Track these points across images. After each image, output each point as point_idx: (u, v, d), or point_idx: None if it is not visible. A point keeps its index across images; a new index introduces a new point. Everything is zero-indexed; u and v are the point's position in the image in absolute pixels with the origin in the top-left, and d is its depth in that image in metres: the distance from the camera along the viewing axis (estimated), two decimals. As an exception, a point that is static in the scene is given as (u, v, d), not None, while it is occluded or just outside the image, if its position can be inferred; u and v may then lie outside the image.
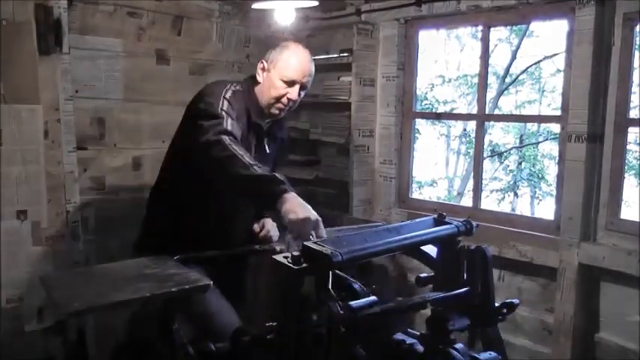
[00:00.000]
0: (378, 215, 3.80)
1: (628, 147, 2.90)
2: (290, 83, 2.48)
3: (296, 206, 2.07)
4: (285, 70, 2.48)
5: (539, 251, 3.03)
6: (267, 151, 2.63)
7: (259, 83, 2.55)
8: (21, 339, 2.93)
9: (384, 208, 3.80)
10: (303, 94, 2.57)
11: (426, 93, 10.44)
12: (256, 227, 2.62)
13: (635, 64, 2.78)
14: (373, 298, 1.69)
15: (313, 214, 2.06)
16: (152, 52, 3.57)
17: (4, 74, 2.80)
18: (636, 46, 2.76)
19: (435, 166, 11.30)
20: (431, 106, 10.32)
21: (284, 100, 2.50)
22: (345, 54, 3.81)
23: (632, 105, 2.86)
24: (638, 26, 2.74)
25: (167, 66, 3.64)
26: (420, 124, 9.40)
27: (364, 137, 3.80)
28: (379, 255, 2.01)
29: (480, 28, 3.45)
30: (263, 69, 2.55)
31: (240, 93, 2.48)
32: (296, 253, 1.67)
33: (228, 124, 2.28)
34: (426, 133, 10.78)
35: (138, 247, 2.60)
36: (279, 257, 1.71)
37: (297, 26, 3.91)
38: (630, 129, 2.83)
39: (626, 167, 2.93)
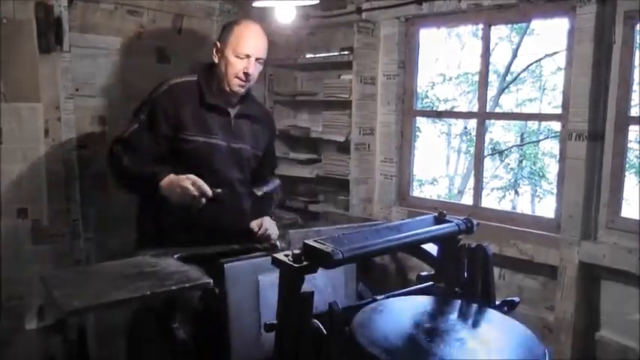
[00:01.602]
0: (378, 213, 3.80)
1: (629, 145, 2.89)
2: (245, 58, 2.56)
3: (173, 182, 2.33)
4: (238, 47, 2.56)
5: (540, 249, 3.03)
6: (232, 129, 2.67)
7: (216, 64, 2.64)
8: (21, 337, 2.93)
9: (385, 207, 3.80)
10: (260, 66, 2.65)
11: (427, 91, 10.44)
12: (254, 226, 2.62)
13: (636, 62, 2.78)
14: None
15: (190, 176, 2.32)
16: (153, 50, 3.57)
17: (4, 72, 2.80)
18: (637, 45, 2.76)
19: (436, 165, 11.29)
20: (432, 105, 10.32)
21: (241, 75, 2.58)
22: (346, 52, 3.80)
23: (632, 103, 2.86)
24: (638, 25, 2.74)
25: (168, 64, 3.64)
26: (421, 122, 9.40)
27: (365, 135, 3.80)
28: (380, 253, 2.02)
29: (481, 26, 3.44)
30: (217, 50, 2.64)
31: (188, 82, 2.63)
32: (297, 251, 1.67)
33: (128, 131, 2.53)
34: (427, 132, 10.78)
35: (138, 246, 2.61)
36: (279, 255, 1.71)
37: (298, 24, 3.91)
38: (631, 127, 2.82)
39: (626, 165, 2.92)
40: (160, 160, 2.51)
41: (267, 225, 2.64)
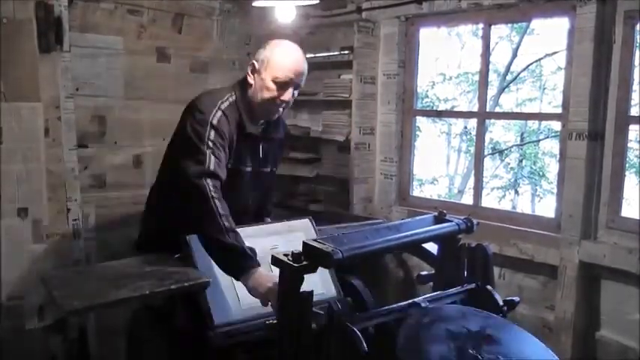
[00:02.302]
0: (378, 213, 3.80)
1: (629, 145, 2.89)
2: (283, 84, 2.41)
3: (262, 282, 2.02)
4: (278, 72, 2.40)
5: (540, 249, 3.03)
6: (261, 155, 2.57)
7: (251, 85, 2.48)
8: (22, 337, 2.93)
9: (385, 206, 3.79)
10: (296, 93, 2.51)
11: (427, 91, 10.43)
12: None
13: (636, 62, 2.77)
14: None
15: (274, 284, 1.95)
16: (153, 49, 3.57)
17: (4, 72, 2.80)
18: (637, 44, 2.76)
19: (436, 164, 11.29)
20: (432, 104, 10.31)
21: (277, 101, 2.43)
22: (346, 52, 3.80)
23: (632, 103, 2.85)
24: (639, 24, 2.74)
25: (168, 64, 3.65)
26: (421, 121, 9.39)
27: (365, 135, 3.80)
28: (380, 253, 2.02)
29: (481, 25, 3.44)
30: (254, 70, 2.47)
31: (233, 104, 2.44)
32: (297, 251, 1.67)
33: (212, 162, 2.25)
34: (427, 131, 10.78)
35: (138, 245, 2.61)
36: (279, 255, 1.71)
37: (298, 24, 3.91)
38: (631, 127, 2.82)
39: (626, 165, 2.92)
40: None
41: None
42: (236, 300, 2.13)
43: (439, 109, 9.80)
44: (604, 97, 2.81)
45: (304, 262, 1.65)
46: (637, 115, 2.92)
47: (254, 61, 2.48)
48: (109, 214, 3.39)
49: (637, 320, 2.69)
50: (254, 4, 3.44)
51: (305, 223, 2.55)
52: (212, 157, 2.26)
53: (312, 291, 1.66)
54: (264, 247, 2.25)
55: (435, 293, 2.01)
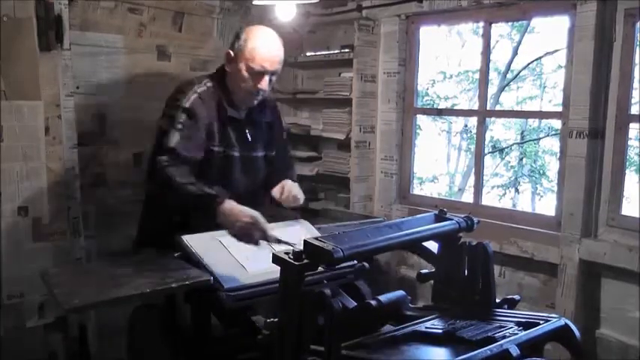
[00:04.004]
0: (379, 211, 3.80)
1: (629, 143, 2.89)
2: (257, 74, 2.41)
3: (235, 214, 2.14)
4: (251, 62, 2.40)
5: (540, 247, 3.03)
6: (250, 139, 2.56)
7: (228, 73, 2.50)
8: (22, 335, 2.94)
9: (385, 204, 3.80)
10: (274, 79, 2.50)
11: (427, 89, 10.42)
12: (276, 193, 2.52)
13: (637, 60, 2.77)
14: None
15: (253, 215, 2.12)
16: (153, 48, 3.57)
17: (4, 70, 2.80)
18: (637, 43, 2.76)
19: (436, 162, 11.28)
20: (432, 102, 10.30)
21: (254, 90, 2.44)
22: (346, 50, 3.80)
23: (633, 101, 2.85)
24: (639, 22, 2.74)
25: (168, 62, 3.64)
26: (421, 120, 9.38)
27: (365, 133, 3.80)
28: (380, 251, 2.02)
29: (481, 24, 3.44)
30: (229, 60, 2.49)
31: (211, 88, 2.47)
32: (297, 249, 1.67)
33: (174, 140, 2.33)
34: (427, 129, 10.76)
35: (138, 243, 2.61)
36: (279, 253, 1.71)
37: (298, 22, 3.91)
38: (631, 125, 2.82)
39: (627, 163, 2.92)
40: None
41: (289, 187, 2.52)
42: (242, 268, 2.16)
43: (439, 108, 9.79)
44: (604, 95, 2.81)
45: (305, 261, 1.65)
46: (637, 113, 2.91)
47: (229, 51, 2.49)
48: (109, 212, 3.39)
49: (637, 318, 2.69)
50: (254, 2, 3.44)
51: (301, 222, 2.56)
52: (176, 136, 2.34)
53: (312, 289, 1.66)
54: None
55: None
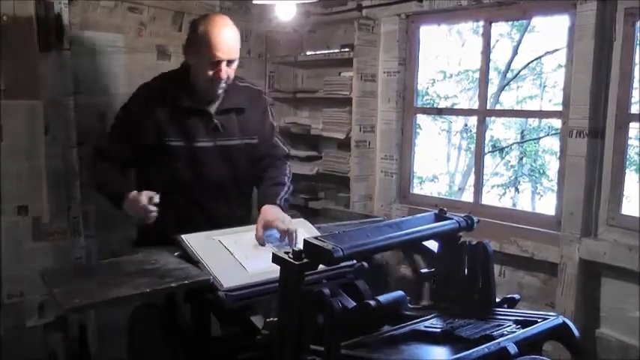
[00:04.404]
0: (379, 211, 3.80)
1: (629, 142, 2.90)
2: (213, 64, 2.39)
3: (129, 204, 2.34)
4: (208, 51, 2.37)
5: (540, 247, 3.03)
6: (221, 129, 2.53)
7: (190, 65, 2.50)
8: (22, 334, 2.94)
9: (385, 204, 3.80)
10: (234, 65, 2.46)
11: (427, 88, 10.41)
12: (258, 230, 2.42)
13: (637, 59, 2.78)
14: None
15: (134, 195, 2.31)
16: (153, 47, 3.56)
17: (4, 70, 2.80)
18: (638, 42, 2.76)
19: (436, 162, 11.28)
20: (432, 102, 10.29)
21: (213, 80, 2.42)
22: (346, 49, 3.80)
23: (633, 100, 2.85)
24: (639, 22, 2.74)
25: (168, 61, 3.63)
26: (421, 119, 9.37)
27: (365, 132, 3.80)
28: (380, 251, 2.01)
29: (481, 23, 3.45)
30: (186, 52, 2.50)
31: (157, 86, 2.54)
32: (297, 249, 1.67)
33: (107, 139, 2.58)
34: (427, 129, 10.75)
35: (137, 243, 2.61)
36: (280, 252, 1.71)
37: (298, 21, 3.91)
38: (631, 124, 2.82)
39: (627, 163, 2.92)
40: (147, 165, 2.55)
41: (269, 222, 2.35)
42: (242, 268, 2.16)
43: (439, 107, 9.79)
44: (604, 95, 2.81)
45: (305, 260, 1.65)
46: (637, 112, 2.91)
47: (184, 43, 2.51)
48: (109, 211, 3.37)
49: (637, 318, 2.69)
50: (254, 1, 3.44)
51: (300, 221, 2.56)
52: (108, 136, 2.59)
53: (312, 289, 1.65)
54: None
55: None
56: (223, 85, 2.46)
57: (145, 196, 2.26)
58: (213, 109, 2.53)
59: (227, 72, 2.42)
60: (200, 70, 2.43)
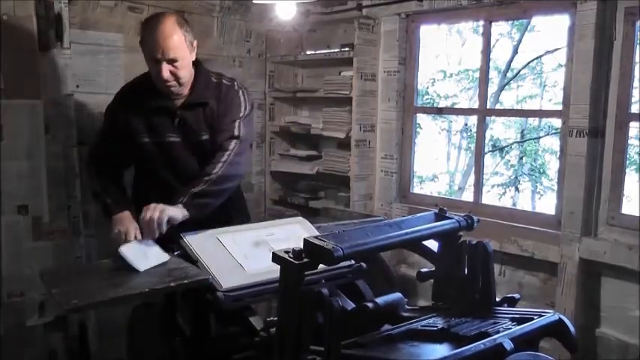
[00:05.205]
0: (379, 210, 3.80)
1: (629, 142, 2.90)
2: (157, 63, 2.39)
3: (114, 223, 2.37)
4: (147, 50, 2.41)
5: (540, 246, 3.03)
6: (189, 125, 2.53)
7: None
8: (22, 334, 2.94)
9: (385, 203, 3.80)
10: (179, 63, 2.41)
11: (427, 88, 10.40)
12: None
13: (637, 59, 2.78)
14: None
15: (122, 228, 2.31)
16: (153, 47, 3.56)
17: (4, 69, 2.80)
18: (638, 41, 2.76)
19: (436, 161, 11.27)
20: (432, 101, 10.29)
21: (161, 79, 2.41)
22: (347, 49, 3.80)
23: (633, 100, 2.85)
24: (639, 21, 2.74)
25: (168, 61, 3.64)
26: (421, 118, 9.36)
27: (365, 132, 3.80)
28: (381, 250, 2.01)
29: (482, 22, 3.44)
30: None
31: (137, 82, 2.60)
32: (297, 248, 1.67)
33: (95, 144, 2.65)
34: (427, 128, 10.75)
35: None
36: (279, 252, 1.71)
37: (298, 21, 3.90)
38: (631, 124, 2.83)
39: (627, 162, 2.92)
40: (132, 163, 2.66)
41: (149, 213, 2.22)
42: (241, 268, 2.15)
43: (439, 106, 9.77)
44: (604, 94, 2.81)
45: (305, 260, 1.65)
46: (637, 112, 2.91)
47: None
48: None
49: (637, 317, 2.70)
50: (254, 1, 3.44)
51: (299, 220, 2.56)
52: (96, 140, 2.66)
53: (312, 288, 1.65)
54: (259, 235, 2.35)
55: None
56: (172, 83, 2.44)
57: (132, 231, 2.28)
58: (178, 104, 2.55)
59: (169, 71, 2.40)
60: (150, 70, 2.47)
